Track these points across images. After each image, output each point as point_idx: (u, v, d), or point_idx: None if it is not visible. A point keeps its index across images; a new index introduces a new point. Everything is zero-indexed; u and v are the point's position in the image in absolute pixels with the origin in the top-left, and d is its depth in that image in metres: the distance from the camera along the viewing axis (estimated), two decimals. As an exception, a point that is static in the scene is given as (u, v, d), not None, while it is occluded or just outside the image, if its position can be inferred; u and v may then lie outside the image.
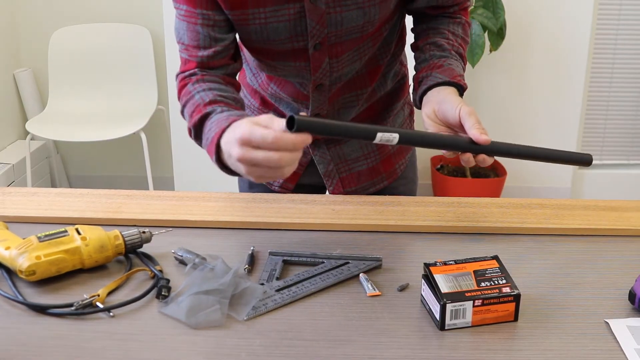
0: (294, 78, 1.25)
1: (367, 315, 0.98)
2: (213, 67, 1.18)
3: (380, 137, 0.99)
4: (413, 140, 1.07)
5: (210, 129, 1.04)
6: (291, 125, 0.90)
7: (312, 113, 1.30)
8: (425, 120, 1.15)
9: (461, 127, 1.08)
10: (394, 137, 1.00)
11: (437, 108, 1.13)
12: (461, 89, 1.19)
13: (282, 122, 0.91)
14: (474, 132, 1.06)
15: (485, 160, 1.08)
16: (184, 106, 1.15)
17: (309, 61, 1.20)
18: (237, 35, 1.21)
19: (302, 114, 0.92)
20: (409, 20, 1.33)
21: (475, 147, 1.07)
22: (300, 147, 0.91)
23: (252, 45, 1.22)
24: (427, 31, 1.28)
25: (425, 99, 1.18)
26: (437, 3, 1.27)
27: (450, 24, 1.28)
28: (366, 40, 1.22)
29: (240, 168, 0.95)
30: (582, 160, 1.20)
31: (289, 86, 1.29)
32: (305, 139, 0.91)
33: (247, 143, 0.91)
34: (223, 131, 0.99)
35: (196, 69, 1.17)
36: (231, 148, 0.94)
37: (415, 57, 1.28)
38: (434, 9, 1.29)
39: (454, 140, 1.08)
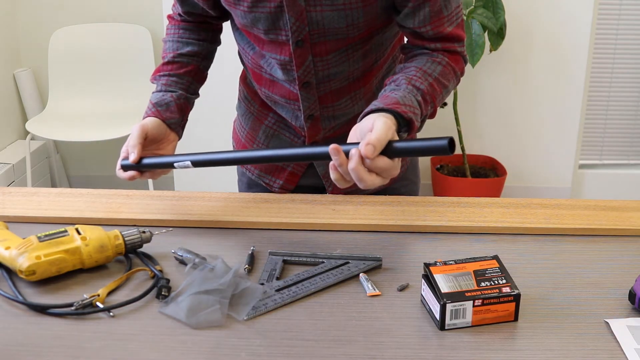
0: (281, 74, 1.25)
1: (367, 315, 0.98)
2: (189, 20, 1.37)
3: (178, 165, 1.17)
4: (206, 162, 1.16)
5: (149, 103, 1.31)
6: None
7: (305, 115, 1.30)
8: None
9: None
10: (188, 164, 1.16)
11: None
12: (399, 117, 1.03)
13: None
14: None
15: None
16: (163, 41, 1.39)
17: (292, 56, 1.21)
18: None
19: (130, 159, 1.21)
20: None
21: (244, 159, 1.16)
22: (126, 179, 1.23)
23: (244, 29, 1.25)
24: (399, 70, 1.17)
25: None
26: (412, 25, 1.17)
27: (427, 63, 1.16)
28: (354, 43, 1.21)
29: None
30: (439, 148, 0.94)
31: (279, 87, 1.29)
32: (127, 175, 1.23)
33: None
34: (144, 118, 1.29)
35: (177, 15, 1.38)
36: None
37: None
38: (413, 36, 1.20)
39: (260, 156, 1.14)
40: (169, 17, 1.40)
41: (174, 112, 1.29)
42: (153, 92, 1.32)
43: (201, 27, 1.37)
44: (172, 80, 1.33)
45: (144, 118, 1.28)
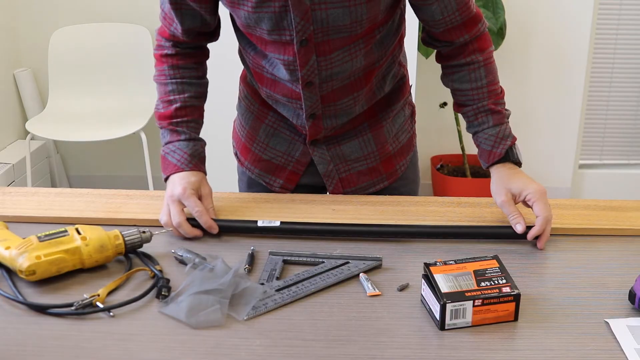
0: (285, 74, 1.25)
1: (367, 315, 0.98)
2: (183, 40, 1.30)
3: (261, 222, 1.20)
4: (293, 230, 1.19)
5: (174, 152, 1.27)
6: None
7: (306, 114, 1.30)
8: None
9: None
10: (275, 223, 1.19)
11: None
12: (505, 155, 1.25)
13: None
14: (511, 222, 1.19)
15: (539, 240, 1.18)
16: (157, 82, 1.32)
17: (296, 56, 1.21)
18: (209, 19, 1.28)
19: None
20: (408, 21, 1.33)
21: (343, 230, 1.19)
22: (212, 230, 1.19)
23: (247, 30, 1.24)
24: (456, 94, 1.30)
25: None
26: (441, 28, 1.24)
27: (471, 77, 1.27)
28: (357, 41, 1.21)
29: (165, 203, 1.22)
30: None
31: (281, 86, 1.29)
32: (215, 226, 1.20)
33: (180, 203, 1.20)
34: (179, 170, 1.25)
35: (169, 43, 1.31)
36: (173, 189, 1.22)
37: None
38: (443, 38, 1.26)
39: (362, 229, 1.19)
40: (158, 56, 1.32)
41: (204, 163, 1.30)
42: (181, 140, 1.27)
43: (196, 59, 1.33)
44: (192, 126, 1.30)
45: (180, 166, 1.25)
